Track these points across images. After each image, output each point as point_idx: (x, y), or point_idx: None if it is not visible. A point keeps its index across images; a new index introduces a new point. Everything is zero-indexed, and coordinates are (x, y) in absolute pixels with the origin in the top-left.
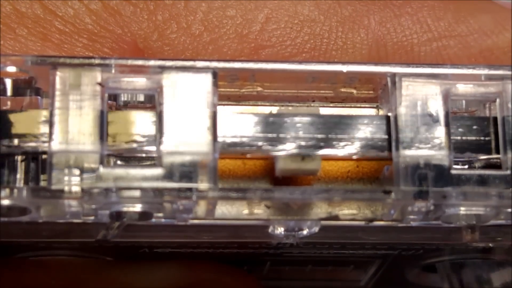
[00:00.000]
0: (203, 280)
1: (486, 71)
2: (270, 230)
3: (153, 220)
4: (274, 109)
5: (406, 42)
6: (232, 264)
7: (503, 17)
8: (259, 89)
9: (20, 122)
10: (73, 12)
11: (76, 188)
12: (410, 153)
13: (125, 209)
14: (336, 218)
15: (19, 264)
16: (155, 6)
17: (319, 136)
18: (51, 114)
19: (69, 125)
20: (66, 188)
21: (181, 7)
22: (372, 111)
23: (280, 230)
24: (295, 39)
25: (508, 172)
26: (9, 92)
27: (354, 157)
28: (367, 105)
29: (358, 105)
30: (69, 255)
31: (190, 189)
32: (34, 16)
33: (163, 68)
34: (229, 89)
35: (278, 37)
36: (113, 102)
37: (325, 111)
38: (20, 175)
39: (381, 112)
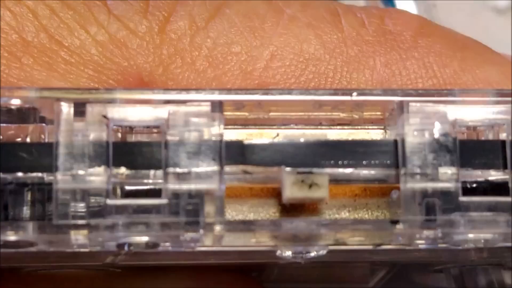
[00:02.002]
0: None
1: (493, 97)
2: (277, 253)
3: (160, 248)
4: (281, 132)
5: (411, 86)
6: (240, 270)
7: (510, 70)
8: (266, 113)
9: (24, 153)
10: (79, 43)
11: (82, 222)
12: (417, 181)
13: (132, 240)
14: (344, 244)
15: (28, 277)
16: (160, 40)
17: (326, 162)
18: (56, 147)
19: (74, 158)
20: (72, 223)
21: (186, 42)
22: (379, 133)
23: (287, 253)
24: (299, 77)
25: None
26: (13, 119)
27: (361, 182)
28: (374, 127)
29: (366, 127)
30: (78, 267)
31: (196, 222)
32: (40, 45)
33: (168, 101)
34: (235, 113)
35: (282, 74)
36: (119, 128)
37: (332, 133)
38: (26, 206)
39: (388, 134)
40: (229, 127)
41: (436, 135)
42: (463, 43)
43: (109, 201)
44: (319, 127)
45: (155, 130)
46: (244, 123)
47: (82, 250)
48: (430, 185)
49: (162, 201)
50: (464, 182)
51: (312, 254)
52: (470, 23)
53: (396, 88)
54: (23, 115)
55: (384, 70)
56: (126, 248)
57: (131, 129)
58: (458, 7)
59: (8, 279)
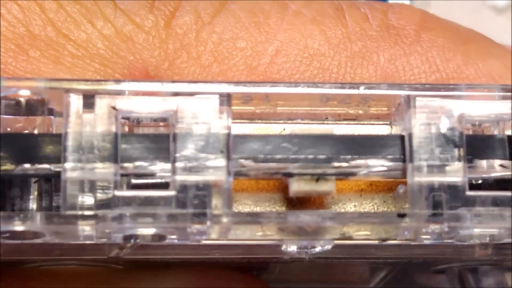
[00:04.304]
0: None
1: (500, 92)
2: (283, 248)
3: (167, 240)
4: (288, 127)
5: (414, 81)
6: (242, 269)
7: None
8: (273, 107)
9: (32, 144)
10: (85, 37)
11: (89, 213)
12: (424, 175)
13: (138, 232)
14: (350, 238)
15: (30, 273)
16: (166, 35)
17: (333, 156)
18: (65, 138)
19: (82, 149)
20: (80, 213)
21: (192, 37)
22: (385, 128)
23: (292, 248)
24: (304, 73)
25: None
26: (22, 111)
27: (368, 177)
28: (380, 122)
29: (372, 122)
30: (80, 264)
31: (204, 214)
32: (47, 38)
33: (177, 93)
34: (243, 107)
35: (287, 70)
36: (126, 121)
37: (338, 128)
38: (33, 197)
39: (394, 129)
40: (236, 121)
41: (443, 130)
42: (466, 36)
43: (117, 193)
44: (325, 122)
45: (161, 124)
46: (251, 118)
47: (88, 242)
48: (437, 180)
49: (170, 193)
50: (470, 176)
51: (317, 249)
52: (470, 22)
53: (402, 82)
54: (31, 107)
55: (388, 66)
56: (132, 240)
57: (138, 123)
58: (458, 6)
59: (9, 275)
